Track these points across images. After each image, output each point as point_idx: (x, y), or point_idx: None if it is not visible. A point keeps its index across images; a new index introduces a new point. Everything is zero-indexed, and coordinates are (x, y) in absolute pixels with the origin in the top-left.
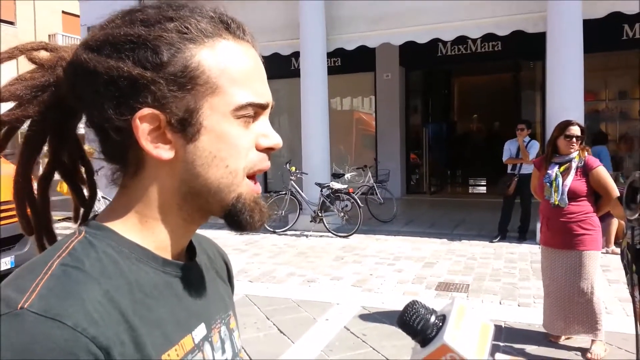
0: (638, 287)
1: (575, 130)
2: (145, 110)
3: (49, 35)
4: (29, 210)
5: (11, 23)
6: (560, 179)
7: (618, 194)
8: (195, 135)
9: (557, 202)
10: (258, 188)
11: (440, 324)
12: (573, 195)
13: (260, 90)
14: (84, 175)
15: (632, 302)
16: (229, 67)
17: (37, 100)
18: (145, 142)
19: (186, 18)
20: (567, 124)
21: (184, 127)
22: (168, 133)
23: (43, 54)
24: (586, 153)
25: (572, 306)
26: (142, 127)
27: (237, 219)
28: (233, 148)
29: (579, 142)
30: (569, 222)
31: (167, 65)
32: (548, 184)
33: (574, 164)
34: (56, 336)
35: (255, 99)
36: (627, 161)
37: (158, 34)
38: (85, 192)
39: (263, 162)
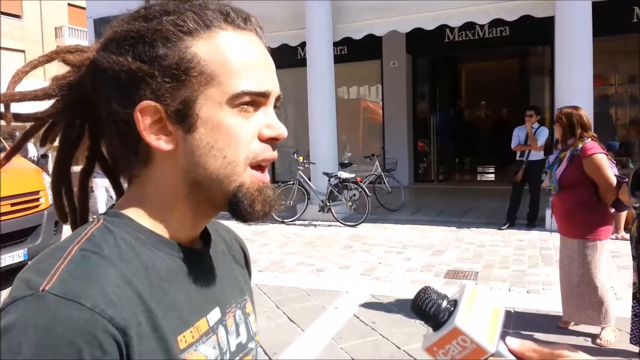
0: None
1: (556, 115)
2: (145, 103)
3: (56, 28)
4: (65, 200)
5: (18, 16)
6: (555, 166)
7: (614, 182)
8: (193, 127)
9: (551, 187)
10: (264, 177)
11: (452, 308)
12: (567, 183)
13: (262, 78)
14: (123, 169)
15: (633, 283)
16: (226, 57)
17: (65, 98)
18: (147, 133)
19: (184, 11)
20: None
21: (182, 118)
22: (169, 125)
23: (75, 56)
24: (588, 140)
25: (572, 294)
26: (143, 118)
27: (237, 208)
28: (231, 138)
29: (559, 126)
30: (567, 210)
31: (163, 58)
32: (548, 170)
33: (569, 152)
34: (76, 317)
35: (252, 87)
36: (637, 146)
37: (155, 28)
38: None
39: (266, 152)
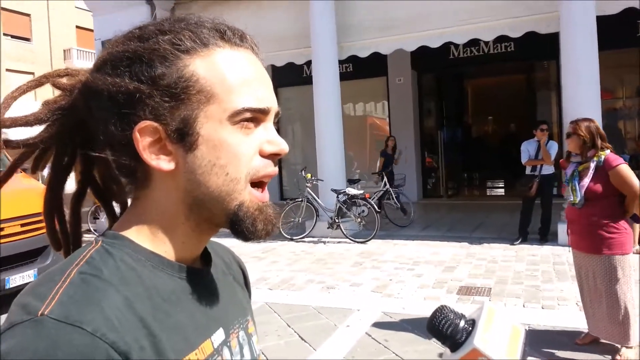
0: None
1: (568, 128)
2: (143, 123)
3: (64, 50)
4: (57, 226)
5: (27, 39)
6: (577, 179)
7: None
8: (194, 145)
9: (576, 201)
10: (263, 196)
11: (470, 328)
12: (592, 196)
13: (261, 95)
14: (117, 194)
15: None
16: (224, 75)
17: (58, 122)
18: (146, 154)
19: (180, 30)
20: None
21: (182, 137)
22: (168, 144)
23: (66, 80)
24: (608, 151)
25: (599, 310)
26: (142, 139)
27: (238, 227)
28: (232, 155)
29: (570, 139)
30: (592, 225)
31: (161, 77)
32: (567, 184)
33: (592, 164)
34: (76, 341)
35: (253, 104)
36: None
37: (152, 47)
38: (117, 209)
39: (267, 168)
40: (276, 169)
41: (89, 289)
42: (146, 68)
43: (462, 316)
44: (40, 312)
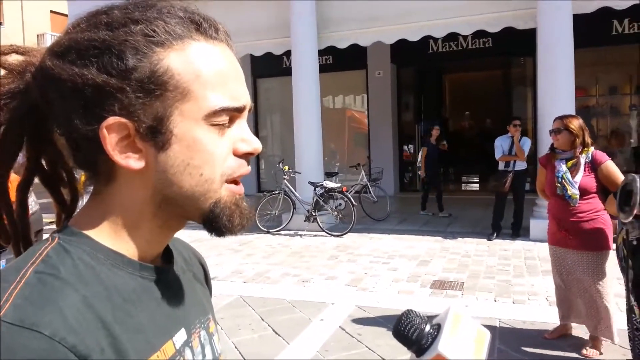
0: (633, 282)
1: (555, 124)
2: (112, 119)
3: (38, 35)
4: (5, 218)
5: None
6: (569, 174)
7: None
8: (166, 144)
9: (575, 196)
10: (240, 189)
11: (435, 333)
12: (583, 192)
13: (236, 92)
14: (65, 180)
15: (626, 296)
16: (201, 70)
17: (7, 108)
18: (114, 152)
19: (153, 20)
20: (555, 119)
21: (154, 135)
22: (138, 142)
23: (13, 59)
24: (592, 148)
25: (578, 302)
26: (110, 136)
27: (215, 224)
28: (207, 155)
29: (557, 135)
30: (581, 222)
31: (133, 71)
32: (559, 179)
33: (582, 160)
34: (33, 347)
35: (230, 103)
36: (618, 157)
37: (123, 38)
38: (66, 196)
39: (242, 168)
40: (249, 168)
41: (46, 289)
42: (116, 60)
43: (427, 321)
44: None
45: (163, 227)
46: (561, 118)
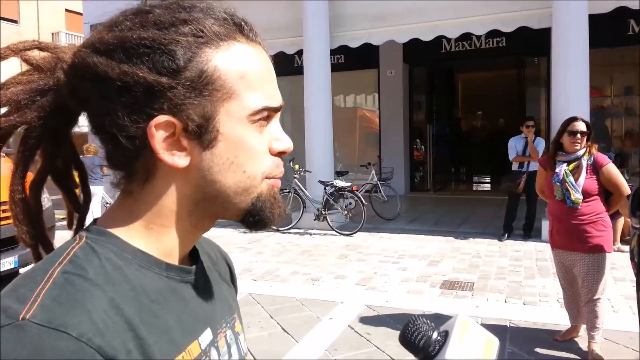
0: None
1: (580, 126)
2: (162, 118)
3: (52, 34)
4: (22, 215)
5: (14, 21)
6: (571, 177)
7: (629, 191)
8: (213, 142)
9: (578, 201)
10: (277, 183)
11: (443, 340)
12: (585, 195)
13: (273, 93)
14: (77, 180)
15: (638, 301)
16: (244, 71)
17: (35, 105)
18: (162, 150)
19: (200, 20)
20: (571, 120)
21: (201, 133)
22: (183, 140)
23: (38, 54)
24: (594, 150)
25: (583, 308)
26: (158, 134)
27: (258, 217)
28: (250, 153)
29: (584, 138)
30: (582, 224)
31: (183, 70)
32: (558, 183)
33: (584, 162)
34: (61, 347)
35: (270, 102)
36: (632, 158)
37: (173, 37)
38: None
39: (279, 168)
40: (283, 170)
41: (73, 290)
42: (167, 59)
43: (434, 328)
44: (21, 316)
45: (195, 227)
46: (581, 120)
